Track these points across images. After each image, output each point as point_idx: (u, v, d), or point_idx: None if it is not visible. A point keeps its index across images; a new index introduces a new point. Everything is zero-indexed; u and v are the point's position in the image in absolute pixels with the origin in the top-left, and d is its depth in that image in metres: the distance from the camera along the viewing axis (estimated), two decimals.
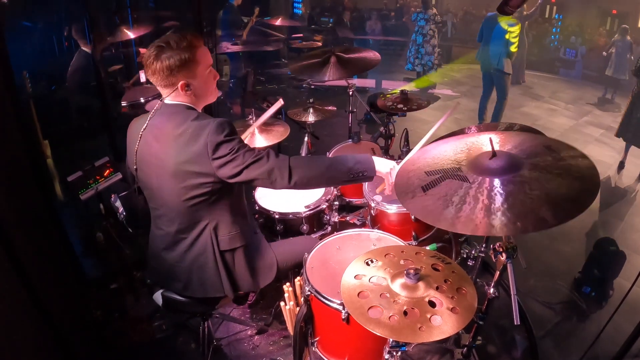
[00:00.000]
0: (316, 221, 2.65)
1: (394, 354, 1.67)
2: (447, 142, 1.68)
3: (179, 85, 1.76)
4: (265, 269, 2.10)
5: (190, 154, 1.71)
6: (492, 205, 1.26)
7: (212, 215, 1.88)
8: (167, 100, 1.82)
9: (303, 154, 3.10)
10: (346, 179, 1.88)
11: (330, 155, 3.08)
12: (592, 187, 1.27)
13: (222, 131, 1.70)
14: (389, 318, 1.40)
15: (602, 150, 6.16)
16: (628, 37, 8.51)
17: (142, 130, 1.84)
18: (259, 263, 2.08)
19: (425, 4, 8.57)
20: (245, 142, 2.67)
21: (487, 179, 1.35)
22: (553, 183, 1.29)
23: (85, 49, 3.78)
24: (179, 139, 1.74)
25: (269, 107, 3.12)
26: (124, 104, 3.51)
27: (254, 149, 1.77)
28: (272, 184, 1.79)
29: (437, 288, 1.50)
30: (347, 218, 2.81)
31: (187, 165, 1.73)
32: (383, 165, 1.93)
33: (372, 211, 2.50)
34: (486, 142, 1.53)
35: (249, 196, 1.92)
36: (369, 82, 8.26)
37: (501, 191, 1.30)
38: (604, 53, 9.25)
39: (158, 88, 1.81)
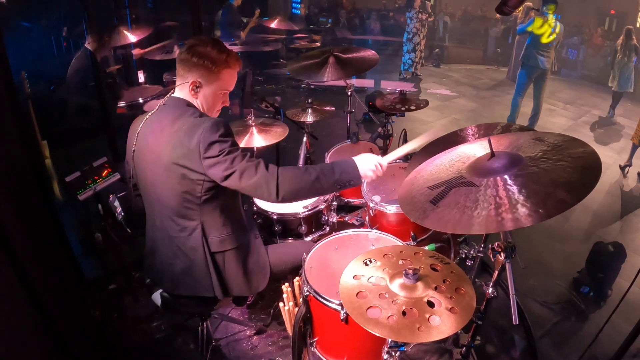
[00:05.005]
0: (314, 222, 2.65)
1: (393, 354, 1.67)
2: (438, 158, 1.72)
3: (190, 81, 1.80)
4: (258, 274, 2.09)
5: (184, 149, 1.72)
6: (511, 200, 1.29)
7: (203, 215, 1.87)
8: (175, 92, 1.87)
9: (302, 155, 3.10)
10: (333, 190, 1.89)
11: (328, 156, 3.08)
12: (595, 163, 1.32)
13: (216, 130, 1.70)
14: (388, 318, 1.40)
15: (601, 151, 6.15)
16: (634, 41, 7.27)
17: (142, 123, 1.87)
18: (252, 267, 2.07)
19: (409, 1, 8.71)
20: (243, 144, 2.68)
21: (498, 178, 1.38)
22: (557, 167, 1.34)
23: (89, 47, 3.78)
24: (174, 134, 1.75)
25: (267, 107, 3.12)
26: (122, 104, 3.51)
27: (246, 154, 1.75)
28: (259, 198, 1.79)
29: (435, 288, 1.51)
30: (346, 218, 2.81)
31: (180, 161, 1.73)
32: (367, 167, 1.90)
33: (370, 211, 2.50)
34: (476, 149, 1.61)
35: (248, 196, 1.91)
36: (367, 82, 8.26)
37: (513, 185, 1.33)
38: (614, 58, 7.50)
39: (177, 75, 1.86)
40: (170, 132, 1.76)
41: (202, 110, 1.89)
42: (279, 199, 1.75)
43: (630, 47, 7.25)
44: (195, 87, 1.82)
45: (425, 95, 8.37)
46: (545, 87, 6.27)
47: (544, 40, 5.94)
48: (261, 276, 2.10)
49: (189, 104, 1.84)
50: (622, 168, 5.48)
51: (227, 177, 1.72)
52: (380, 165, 1.94)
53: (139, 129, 1.87)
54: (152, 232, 2.02)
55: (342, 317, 1.73)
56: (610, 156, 5.89)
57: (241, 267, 2.02)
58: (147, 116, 1.89)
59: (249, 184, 1.72)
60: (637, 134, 5.22)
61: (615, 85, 7.50)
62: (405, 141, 2.93)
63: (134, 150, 1.90)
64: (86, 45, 3.81)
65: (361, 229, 2.25)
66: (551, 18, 5.87)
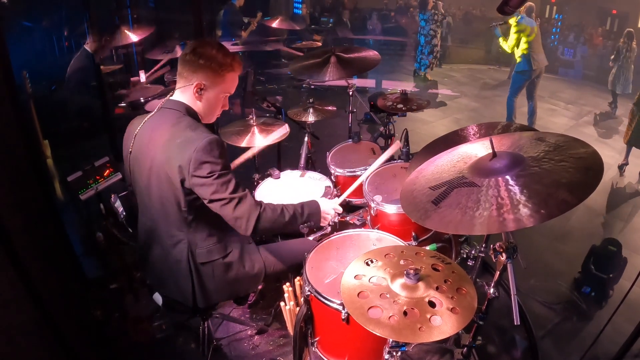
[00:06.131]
0: None
1: (394, 354, 1.66)
2: (440, 158, 1.72)
3: (195, 83, 1.80)
4: (249, 280, 2.09)
5: (175, 162, 1.71)
6: (513, 201, 1.29)
7: (190, 227, 1.87)
8: (175, 95, 1.86)
9: (303, 154, 3.10)
10: (297, 229, 2.04)
11: (330, 156, 3.06)
12: (597, 164, 1.32)
13: (209, 150, 1.69)
14: (389, 318, 1.40)
15: (602, 151, 6.04)
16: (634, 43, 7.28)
17: (140, 126, 1.87)
18: (243, 274, 2.05)
19: (422, 4, 8.59)
20: (245, 143, 2.68)
21: (499, 179, 1.38)
22: (558, 167, 1.33)
23: (88, 48, 3.78)
24: (168, 144, 1.74)
25: (269, 107, 3.12)
26: (123, 104, 3.52)
27: (236, 182, 1.76)
28: (234, 228, 1.79)
29: (437, 288, 1.50)
30: (347, 218, 2.81)
31: (170, 173, 1.73)
32: (327, 210, 2.13)
33: (372, 211, 2.49)
34: (477, 149, 1.61)
35: None
36: (369, 82, 8.25)
37: (515, 186, 1.33)
38: (610, 64, 7.62)
39: (178, 77, 1.85)
40: (165, 141, 1.75)
41: (202, 114, 1.89)
42: (251, 234, 1.80)
43: (631, 49, 7.25)
44: (200, 90, 1.82)
45: (427, 95, 8.35)
46: (539, 85, 6.31)
47: (531, 39, 5.95)
48: (252, 281, 2.11)
49: (188, 110, 1.84)
50: (620, 167, 5.49)
51: (212, 201, 1.73)
52: (335, 210, 2.19)
53: (137, 130, 1.86)
54: (143, 230, 2.03)
55: (343, 317, 1.72)
56: (612, 156, 5.87)
57: (230, 275, 2.01)
58: (145, 118, 1.88)
59: (233, 214, 1.75)
60: (627, 134, 5.25)
61: (615, 87, 7.50)
62: (407, 141, 2.93)
63: (130, 152, 1.89)
64: (87, 45, 3.82)
65: (362, 229, 2.25)
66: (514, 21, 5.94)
